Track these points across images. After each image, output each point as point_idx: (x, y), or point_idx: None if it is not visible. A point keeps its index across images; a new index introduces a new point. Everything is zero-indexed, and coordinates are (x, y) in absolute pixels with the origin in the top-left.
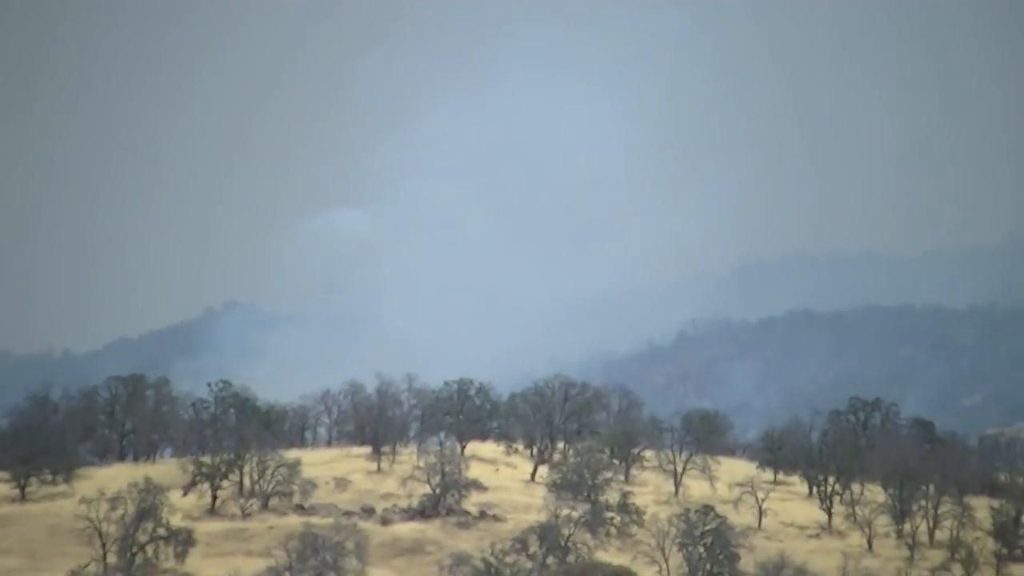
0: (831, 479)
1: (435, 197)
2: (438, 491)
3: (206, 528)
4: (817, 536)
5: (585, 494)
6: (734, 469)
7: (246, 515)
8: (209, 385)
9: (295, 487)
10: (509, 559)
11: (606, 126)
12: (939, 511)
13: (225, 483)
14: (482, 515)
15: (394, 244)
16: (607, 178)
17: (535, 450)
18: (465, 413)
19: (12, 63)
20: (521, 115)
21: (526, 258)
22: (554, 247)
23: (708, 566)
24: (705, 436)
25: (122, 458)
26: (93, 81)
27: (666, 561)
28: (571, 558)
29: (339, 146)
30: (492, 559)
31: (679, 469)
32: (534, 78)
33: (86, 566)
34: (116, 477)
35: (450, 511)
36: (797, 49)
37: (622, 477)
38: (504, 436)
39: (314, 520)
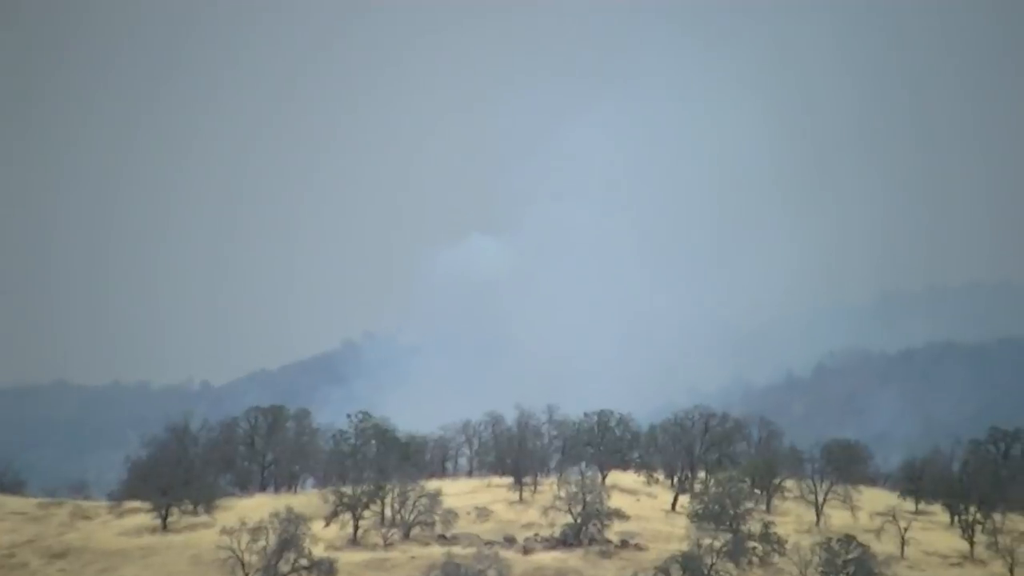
0: (972, 508)
1: (571, 221)
2: (579, 520)
3: (348, 558)
4: (959, 565)
5: (727, 523)
6: (875, 499)
7: (388, 545)
8: (349, 416)
9: (436, 517)
10: None
11: (746, 145)
12: None
13: (367, 513)
14: (624, 544)
15: (531, 270)
16: (747, 203)
17: (676, 480)
18: (605, 444)
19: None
20: (659, 134)
21: (664, 285)
22: (693, 273)
23: None
24: (845, 465)
25: (263, 489)
26: (229, 91)
27: None
28: None
29: (474, 172)
30: None
31: (820, 498)
32: (670, 95)
33: None
34: (257, 508)
35: (592, 540)
36: (944, 68)
37: (763, 507)
38: (645, 466)
39: (456, 550)
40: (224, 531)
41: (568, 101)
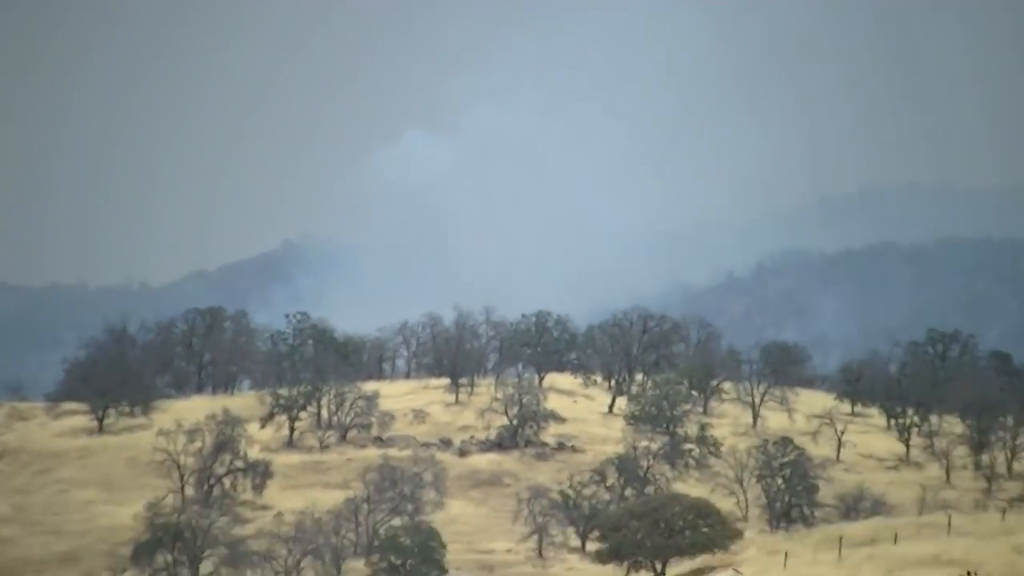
0: (909, 411)
1: (511, 123)
2: (516, 423)
3: (284, 460)
4: (895, 468)
5: (663, 426)
6: (812, 401)
7: (324, 447)
8: (287, 317)
9: (373, 419)
10: (587, 491)
11: (687, 52)
12: (1017, 442)
13: (303, 415)
14: (560, 447)
15: (472, 173)
16: (688, 107)
17: (613, 382)
18: (543, 345)
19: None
20: (600, 38)
21: (605, 189)
22: (633, 178)
23: (786, 497)
24: (783, 368)
25: (200, 390)
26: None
27: (744, 492)
28: (649, 490)
29: (416, 75)
30: (570, 491)
31: (757, 401)
32: (614, 4)
33: (164, 498)
34: (194, 409)
35: (528, 443)
36: None
37: (700, 409)
38: (582, 368)
39: (392, 452)
40: (161, 433)
41: (519, 5)
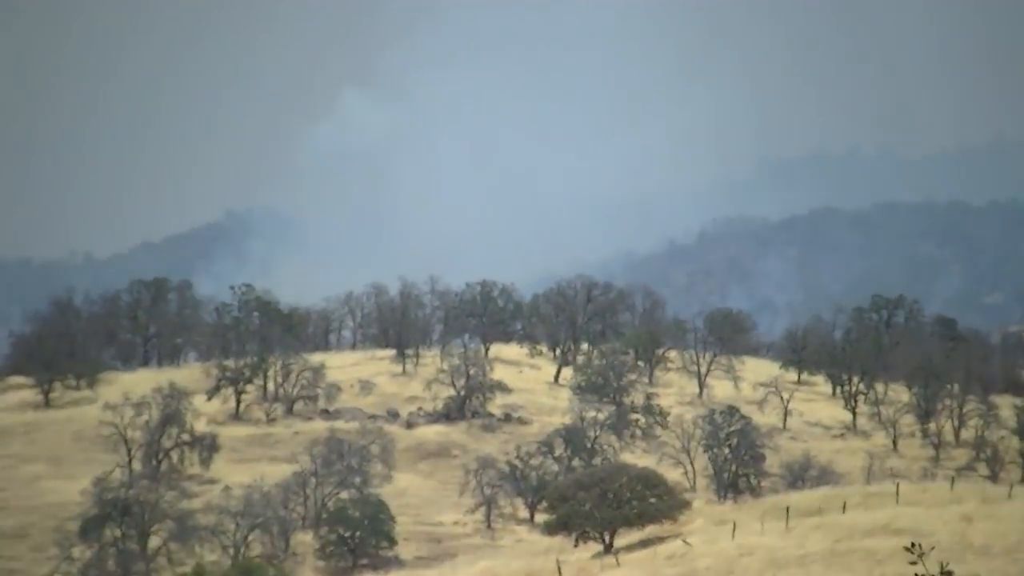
0: (855, 379)
1: (457, 91)
2: (463, 394)
3: (231, 433)
4: (842, 436)
5: (610, 396)
6: (758, 369)
7: (271, 420)
8: (232, 288)
9: (320, 391)
10: (535, 461)
11: (632, 18)
12: (964, 410)
13: (249, 388)
14: (507, 418)
15: (415, 139)
16: (630, 74)
17: (559, 352)
18: (488, 315)
19: None
20: (547, 5)
21: (548, 156)
22: (575, 145)
23: (733, 467)
24: (729, 336)
25: (146, 363)
26: None
27: (692, 462)
28: (597, 460)
29: (358, 39)
30: (518, 462)
31: (703, 370)
32: None
33: (111, 472)
34: (140, 382)
35: (475, 414)
36: None
37: (646, 379)
38: (528, 338)
39: (339, 425)
40: (107, 406)
41: None
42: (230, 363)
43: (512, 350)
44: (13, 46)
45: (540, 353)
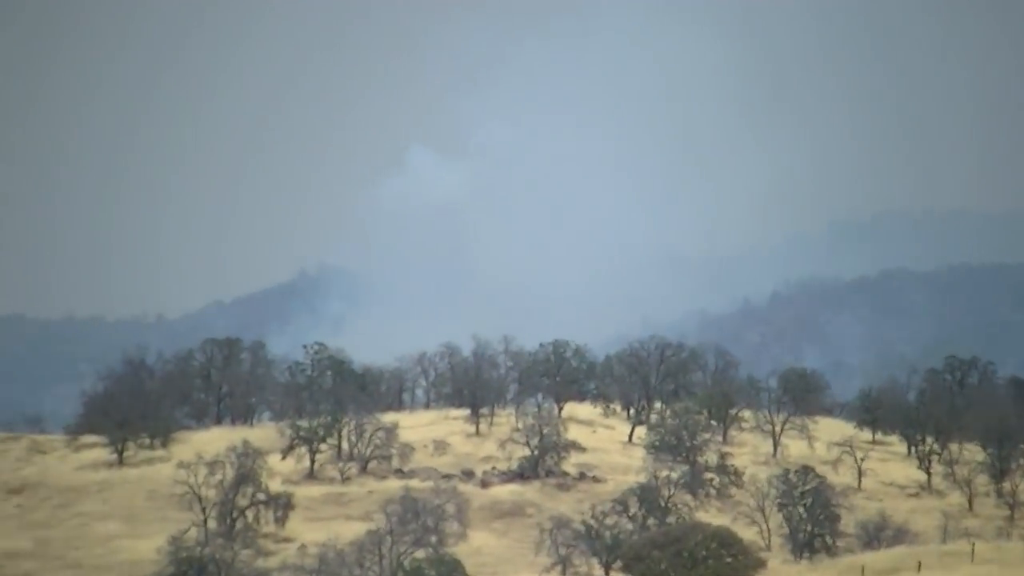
0: (929, 438)
1: (526, 145)
2: (537, 453)
3: (305, 492)
4: (916, 495)
5: (684, 455)
6: (832, 429)
7: (345, 479)
8: (305, 348)
9: (393, 450)
10: (609, 520)
11: (700, 77)
12: None
13: (323, 447)
14: (581, 477)
15: (486, 196)
16: (702, 133)
17: (632, 411)
18: (562, 375)
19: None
20: (616, 57)
21: (619, 213)
22: (648, 202)
23: (808, 526)
24: (802, 395)
25: (219, 422)
26: (188, 42)
27: (766, 521)
28: (671, 519)
29: (425, 96)
30: (592, 521)
31: (777, 429)
32: (628, 16)
33: (186, 531)
34: (213, 441)
35: (549, 473)
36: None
37: (720, 438)
38: (601, 397)
39: (413, 484)
40: (181, 465)
41: (524, 18)
42: (304, 422)
43: (586, 409)
44: (101, 122)
45: (614, 413)
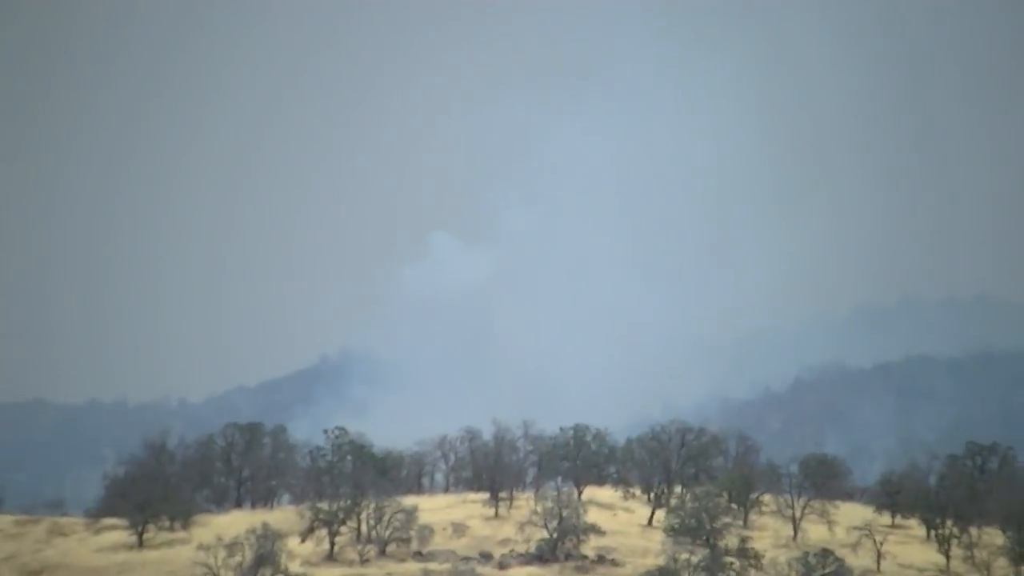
0: (949, 522)
1: (547, 230)
2: (556, 536)
3: (325, 574)
4: None
5: (704, 538)
6: (852, 513)
7: (364, 561)
8: (326, 432)
9: (412, 533)
10: None
11: (722, 162)
12: None
13: (343, 529)
14: (600, 560)
15: (506, 279)
16: (721, 218)
17: (652, 495)
18: (581, 458)
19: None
20: (640, 143)
21: (639, 296)
22: (669, 285)
23: None
24: (823, 481)
25: (239, 505)
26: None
27: None
28: None
29: (447, 184)
30: None
31: (797, 513)
32: (655, 100)
33: None
34: (233, 524)
35: (568, 556)
36: (918, 89)
37: (740, 522)
38: (621, 481)
39: (432, 566)
40: (200, 547)
41: (548, 104)
42: (324, 505)
43: (606, 493)
44: (128, 204)
45: (633, 496)
